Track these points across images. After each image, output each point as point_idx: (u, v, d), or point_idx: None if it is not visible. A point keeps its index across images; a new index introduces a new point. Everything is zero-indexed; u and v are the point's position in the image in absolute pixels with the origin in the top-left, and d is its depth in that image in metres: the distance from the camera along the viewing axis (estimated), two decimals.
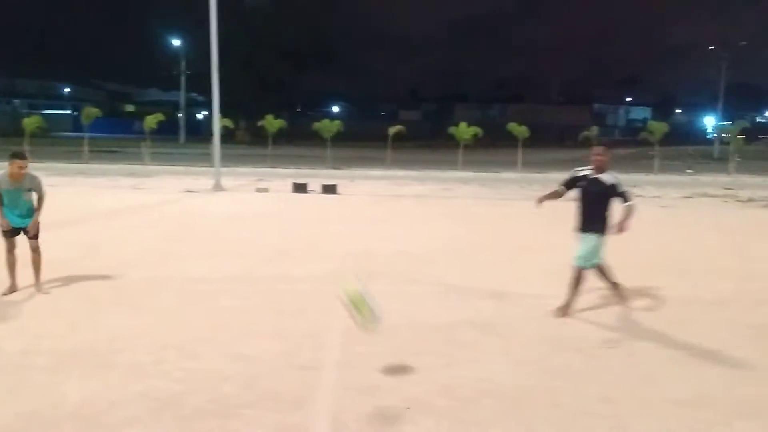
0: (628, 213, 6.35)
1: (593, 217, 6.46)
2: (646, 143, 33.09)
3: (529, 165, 29.88)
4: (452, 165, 30.01)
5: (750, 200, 18.87)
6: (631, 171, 29.99)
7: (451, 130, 32.42)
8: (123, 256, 8.83)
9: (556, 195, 6.81)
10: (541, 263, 8.61)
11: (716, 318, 6.54)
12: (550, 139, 57.94)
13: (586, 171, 6.59)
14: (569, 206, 6.65)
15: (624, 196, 6.40)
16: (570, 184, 6.71)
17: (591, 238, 6.46)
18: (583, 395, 4.49)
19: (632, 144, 46.76)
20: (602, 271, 6.64)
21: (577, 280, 6.51)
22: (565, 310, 6.46)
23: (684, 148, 36.23)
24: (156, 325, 5.93)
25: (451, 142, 32.56)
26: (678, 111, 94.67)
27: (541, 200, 6.95)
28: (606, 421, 4.08)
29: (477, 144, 32.92)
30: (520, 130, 31.66)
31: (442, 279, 7.95)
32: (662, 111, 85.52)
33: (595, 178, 6.49)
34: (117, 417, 4.02)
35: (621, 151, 45.19)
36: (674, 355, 5.38)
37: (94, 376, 4.69)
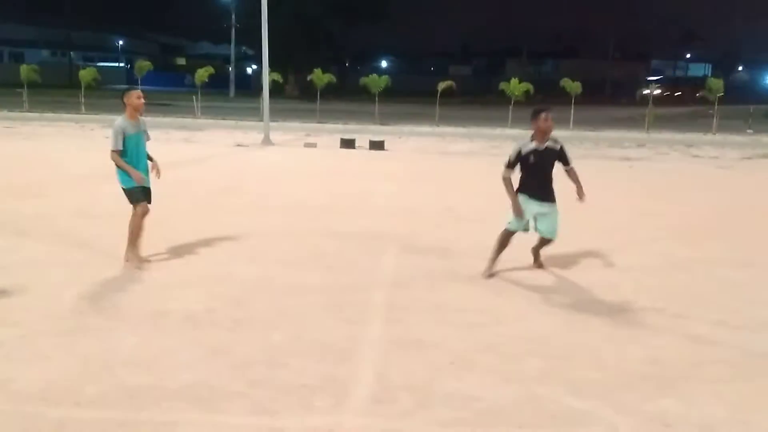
0: (577, 177, 6.30)
1: (550, 186, 6.25)
2: (704, 101, 31.84)
3: (582, 122, 29.16)
4: (502, 122, 29.51)
5: None
6: (687, 130, 29.07)
7: (502, 85, 31.82)
8: (174, 208, 9.04)
9: (508, 188, 6.23)
10: (591, 221, 8.47)
11: None
12: (604, 96, 56.32)
13: (530, 144, 6.21)
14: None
15: (566, 159, 6.25)
16: (516, 163, 6.22)
17: (554, 207, 6.28)
18: (630, 357, 4.46)
19: (691, 102, 45.09)
20: (505, 239, 6.36)
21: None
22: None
23: (745, 107, 34.74)
24: (206, 277, 6.09)
25: (501, 99, 31.98)
26: (740, 68, 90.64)
27: (515, 208, 6.25)
28: (652, 382, 4.05)
29: (529, 100, 32.27)
30: (572, 86, 30.85)
31: (487, 237, 7.91)
32: (724, 67, 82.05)
33: (546, 147, 6.18)
34: (169, 362, 4.17)
35: (678, 110, 43.72)
36: (723, 319, 5.27)
37: (148, 323, 4.86)
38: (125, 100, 6.13)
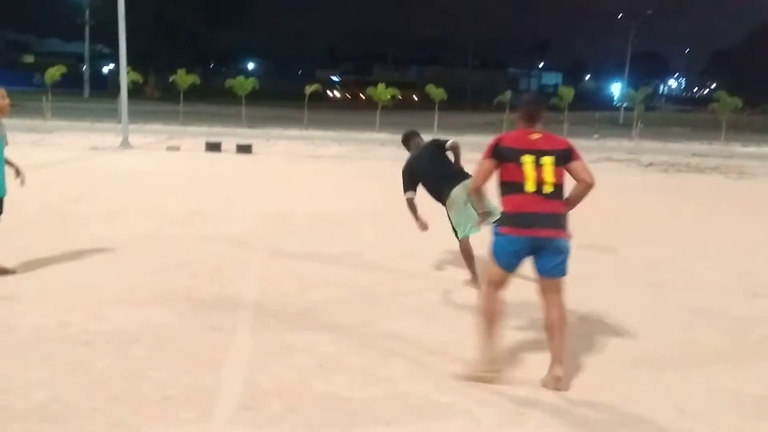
0: None
1: (457, 169, 6.40)
2: (555, 108, 34.13)
3: (446, 127, 30.22)
4: (371, 126, 29.98)
5: (651, 164, 19.91)
6: None
7: (369, 90, 32.33)
8: (22, 216, 8.38)
9: (411, 208, 6.41)
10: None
11: (614, 274, 6.91)
12: (465, 102, 58.77)
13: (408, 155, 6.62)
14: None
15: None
16: (409, 182, 6.40)
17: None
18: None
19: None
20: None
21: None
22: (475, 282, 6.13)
23: (592, 113, 37.57)
24: (60, 288, 5.71)
25: (369, 104, 32.50)
26: (587, 77, 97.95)
27: (421, 225, 6.44)
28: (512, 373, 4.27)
29: (395, 105, 32.98)
30: (437, 92, 31.96)
31: (357, 239, 8.02)
32: (572, 77, 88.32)
33: (422, 148, 6.54)
34: (20, 381, 3.87)
35: None
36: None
37: None
38: None
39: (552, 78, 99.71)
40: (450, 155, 6.47)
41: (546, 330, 4.23)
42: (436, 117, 30.17)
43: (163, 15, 55.60)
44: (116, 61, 22.23)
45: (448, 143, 6.44)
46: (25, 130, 21.87)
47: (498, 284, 4.21)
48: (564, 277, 4.17)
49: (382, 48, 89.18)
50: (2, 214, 5.84)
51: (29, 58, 78.22)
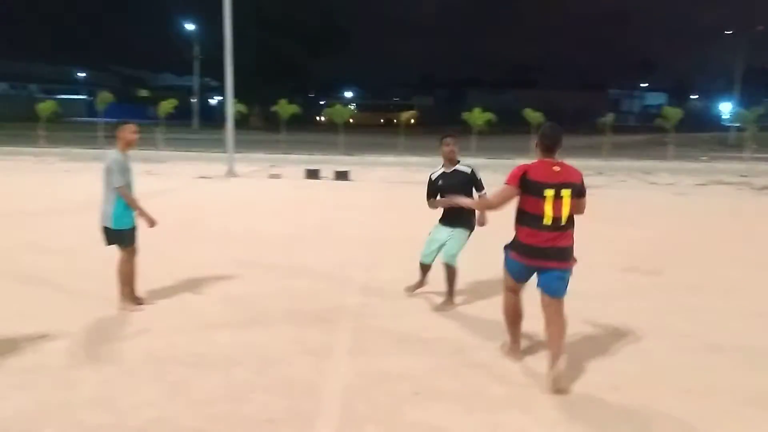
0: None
1: (461, 211, 6.14)
2: (660, 129, 32.78)
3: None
4: (466, 151, 29.83)
5: (765, 188, 18.68)
6: (645, 158, 29.82)
7: (465, 115, 32.31)
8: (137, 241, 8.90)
9: (433, 206, 6.49)
10: None
11: (725, 306, 6.51)
12: (564, 125, 57.41)
13: (439, 170, 6.45)
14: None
15: (479, 185, 6.30)
16: (430, 190, 6.46)
17: (462, 233, 6.29)
18: (592, 384, 4.51)
19: (646, 130, 46.35)
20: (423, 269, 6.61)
21: (454, 276, 6.33)
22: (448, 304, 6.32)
23: (699, 134, 35.82)
24: (169, 310, 6.00)
25: (464, 128, 32.45)
26: (694, 97, 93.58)
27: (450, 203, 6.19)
28: (613, 409, 4.10)
29: (491, 130, 32.76)
30: (534, 116, 31.48)
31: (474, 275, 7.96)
32: (678, 97, 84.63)
33: (454, 170, 6.34)
34: (130, 400, 4.09)
35: (636, 138, 44.87)
36: (682, 343, 5.38)
37: (108, 361, 4.76)
38: (118, 133, 5.92)
39: (656, 98, 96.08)
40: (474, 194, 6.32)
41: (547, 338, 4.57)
42: (533, 141, 29.66)
43: (267, 48, 58.05)
44: (223, 93, 23.28)
45: (480, 193, 6.24)
46: (139, 160, 23.26)
47: (513, 290, 4.83)
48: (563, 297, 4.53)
49: (480, 73, 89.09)
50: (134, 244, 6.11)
51: (144, 92, 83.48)
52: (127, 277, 6.00)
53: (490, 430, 3.79)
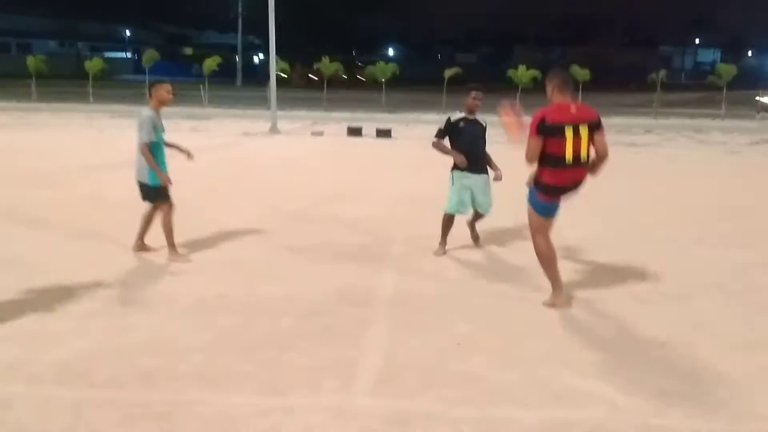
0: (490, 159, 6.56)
1: (481, 157, 6.48)
2: (713, 87, 31.66)
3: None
4: None
5: None
6: (697, 116, 28.91)
7: (510, 73, 31.74)
8: (184, 197, 9.10)
9: (441, 148, 6.65)
10: (596, 207, 8.49)
11: None
12: (613, 82, 55.98)
13: (461, 114, 6.53)
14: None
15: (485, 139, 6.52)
16: (446, 131, 6.56)
17: (488, 178, 6.51)
18: (633, 338, 4.52)
19: (699, 88, 44.82)
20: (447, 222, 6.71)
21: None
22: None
23: (754, 92, 34.48)
24: (217, 262, 6.18)
25: (509, 86, 31.90)
26: (749, 54, 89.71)
27: (456, 158, 6.46)
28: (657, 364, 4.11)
29: (536, 87, 32.13)
30: (581, 73, 30.75)
31: (496, 222, 7.96)
32: (732, 54, 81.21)
33: (474, 119, 6.51)
34: (180, 345, 4.27)
35: (687, 95, 43.45)
36: (733, 301, 5.32)
37: (160, 308, 4.95)
38: (153, 91, 6.03)
39: (709, 55, 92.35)
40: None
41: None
42: (579, 98, 29.04)
43: (309, 5, 57.64)
44: (266, 51, 23.33)
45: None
46: (185, 117, 23.67)
47: (542, 229, 4.96)
48: None
49: (523, 29, 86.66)
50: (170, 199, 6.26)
51: (188, 50, 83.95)
52: (168, 231, 6.16)
53: (530, 382, 3.85)
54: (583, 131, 4.67)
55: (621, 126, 23.60)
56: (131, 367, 3.93)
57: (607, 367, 4.05)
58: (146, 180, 6.04)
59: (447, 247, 6.67)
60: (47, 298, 5.06)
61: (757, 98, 29.60)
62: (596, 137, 4.78)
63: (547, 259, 5.02)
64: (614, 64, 67.30)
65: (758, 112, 28.73)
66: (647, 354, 4.27)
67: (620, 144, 17.68)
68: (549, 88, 4.85)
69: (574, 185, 4.85)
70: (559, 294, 5.05)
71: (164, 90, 6.05)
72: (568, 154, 4.64)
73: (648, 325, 4.75)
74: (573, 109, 4.71)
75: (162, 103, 6.07)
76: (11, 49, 67.73)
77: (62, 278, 5.53)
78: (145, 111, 6.00)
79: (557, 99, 4.78)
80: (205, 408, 3.49)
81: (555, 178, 4.77)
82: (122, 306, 4.99)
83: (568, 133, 4.61)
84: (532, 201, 4.97)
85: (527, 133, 4.77)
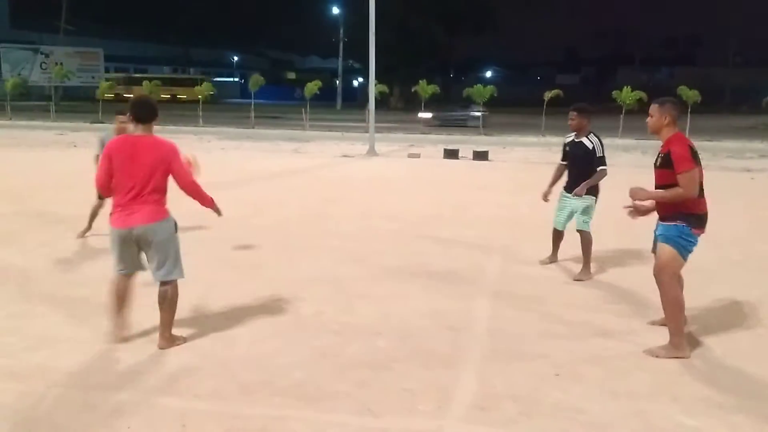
0: (597, 178, 6.35)
1: (579, 178, 6.44)
2: None
3: (699, 132, 27.68)
4: (613, 131, 28.53)
5: None
6: None
7: (614, 94, 30.83)
8: (285, 216, 9.40)
9: (559, 173, 6.90)
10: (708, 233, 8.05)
11: None
12: (723, 104, 53.28)
13: (570, 136, 6.64)
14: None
15: (601, 161, 6.35)
16: (563, 153, 6.82)
17: (589, 199, 6.45)
18: (746, 377, 4.24)
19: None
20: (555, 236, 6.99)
21: (588, 244, 6.57)
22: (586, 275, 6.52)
23: None
24: (315, 281, 6.31)
25: (612, 107, 30.95)
26: None
27: (546, 195, 6.99)
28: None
29: (641, 109, 31.02)
30: (689, 94, 29.39)
31: (595, 248, 7.71)
32: None
33: (579, 141, 6.53)
34: (280, 361, 4.38)
35: None
36: None
37: (261, 324, 5.10)
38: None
39: None
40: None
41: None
42: (688, 120, 27.81)
43: (408, 28, 58.37)
44: (365, 75, 23.83)
45: (601, 169, 6.40)
46: (286, 139, 24.48)
47: (678, 274, 4.63)
48: None
49: (628, 48, 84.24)
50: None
51: (291, 75, 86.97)
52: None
53: (634, 416, 3.68)
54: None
55: (734, 150, 22.38)
56: (233, 381, 4.06)
57: (718, 405, 3.81)
58: None
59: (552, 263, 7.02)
60: (152, 311, 5.32)
61: None
62: None
63: (680, 306, 4.56)
64: (725, 85, 64.10)
65: None
66: (759, 394, 3.99)
67: (734, 169, 16.77)
68: (663, 117, 4.61)
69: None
70: (683, 347, 4.53)
71: (118, 121, 6.84)
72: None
73: (766, 364, 4.44)
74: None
75: (118, 132, 6.53)
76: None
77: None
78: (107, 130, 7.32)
79: (670, 131, 4.61)
80: (300, 424, 3.56)
81: (704, 208, 4.64)
82: (225, 321, 5.16)
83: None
84: (683, 240, 4.54)
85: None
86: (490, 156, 18.84)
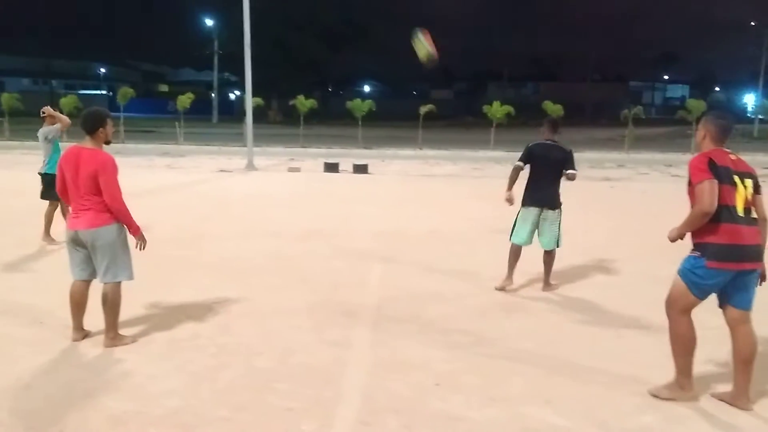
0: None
1: (556, 189, 6.42)
2: (683, 122, 32.40)
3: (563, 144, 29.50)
4: (485, 144, 29.78)
5: None
6: (667, 150, 29.50)
7: (485, 108, 32.18)
8: (159, 234, 8.99)
9: (515, 174, 6.51)
10: (572, 241, 8.55)
11: None
12: (584, 117, 57.06)
13: (540, 139, 6.49)
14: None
15: (573, 165, 6.41)
16: (527, 156, 6.42)
17: (559, 214, 6.47)
18: (614, 375, 4.50)
19: (668, 123, 45.88)
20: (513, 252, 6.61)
21: (552, 261, 6.59)
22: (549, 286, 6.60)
23: None
24: (191, 301, 6.07)
25: (483, 121, 32.31)
26: (717, 89, 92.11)
27: (509, 198, 6.52)
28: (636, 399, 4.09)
29: (510, 123, 32.59)
30: (554, 108, 31.26)
31: (472, 258, 7.96)
32: (701, 89, 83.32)
33: (554, 143, 6.41)
34: (153, 389, 4.15)
35: (657, 130, 44.39)
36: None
37: (132, 350, 4.83)
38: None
39: (678, 90, 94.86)
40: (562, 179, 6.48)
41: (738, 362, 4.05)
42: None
43: (285, 43, 58.17)
44: (242, 88, 23.43)
45: (569, 172, 6.37)
46: (160, 154, 23.57)
47: (689, 311, 4.04)
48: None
49: (500, 67, 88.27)
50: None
51: (164, 87, 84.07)
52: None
53: (511, 420, 3.80)
54: (748, 185, 3.91)
55: (594, 160, 23.97)
56: (102, 412, 3.80)
57: (588, 404, 4.01)
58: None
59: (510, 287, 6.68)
60: (13, 339, 4.91)
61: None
62: (759, 198, 3.96)
63: (687, 345, 4.05)
64: (585, 100, 68.70)
65: None
66: (630, 391, 4.24)
67: (595, 179, 17.95)
68: (701, 133, 4.09)
69: (750, 249, 3.85)
70: (688, 387, 4.10)
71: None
72: (739, 206, 3.84)
73: (628, 362, 4.74)
74: (732, 157, 3.97)
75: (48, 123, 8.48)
76: None
77: (32, 317, 5.37)
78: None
79: (707, 147, 4.04)
80: None
81: (730, 236, 3.81)
82: (92, 348, 4.84)
83: (737, 180, 3.86)
84: (693, 275, 3.93)
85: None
86: (369, 169, 19.08)
